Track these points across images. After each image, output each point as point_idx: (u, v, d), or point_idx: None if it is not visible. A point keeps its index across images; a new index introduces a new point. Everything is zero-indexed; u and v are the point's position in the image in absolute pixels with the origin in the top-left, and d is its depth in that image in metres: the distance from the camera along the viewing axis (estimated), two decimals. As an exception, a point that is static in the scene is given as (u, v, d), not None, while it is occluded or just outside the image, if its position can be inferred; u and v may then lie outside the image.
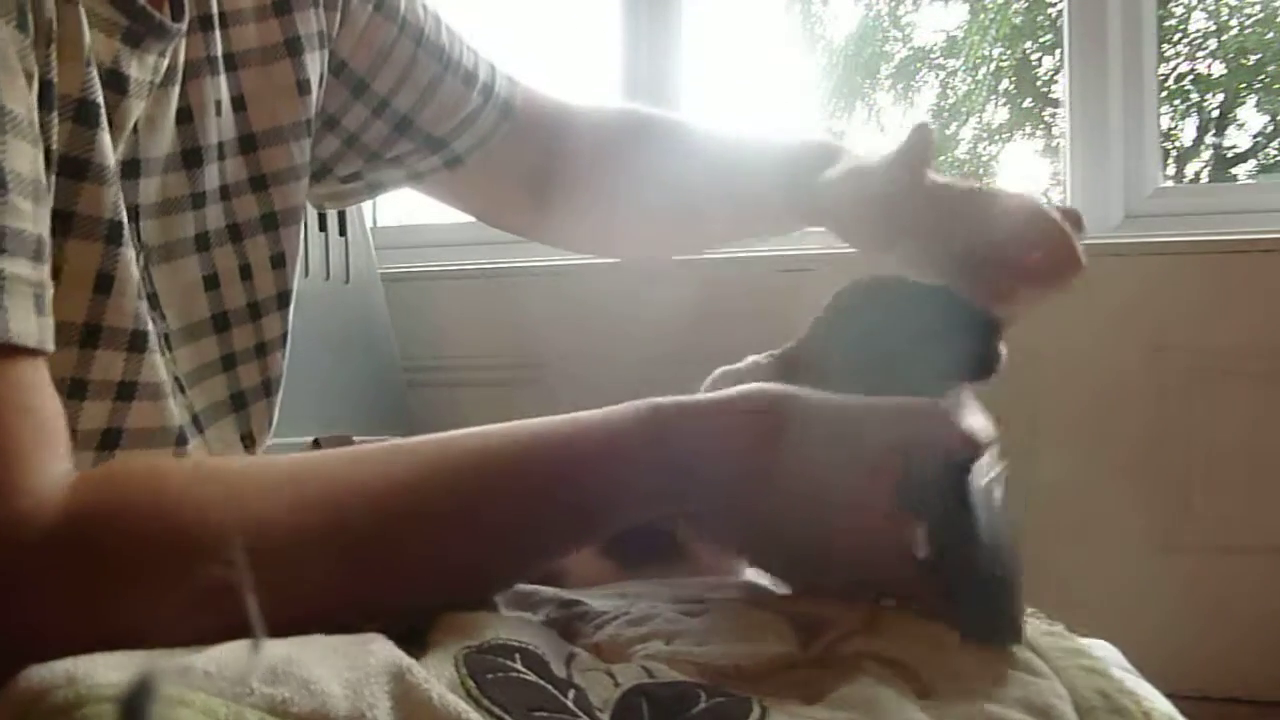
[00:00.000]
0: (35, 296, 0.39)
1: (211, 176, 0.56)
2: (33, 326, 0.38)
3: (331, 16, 0.63)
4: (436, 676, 0.32)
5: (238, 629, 0.34)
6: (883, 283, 0.55)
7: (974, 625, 0.44)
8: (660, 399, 0.46)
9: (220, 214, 0.57)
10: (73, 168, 0.44)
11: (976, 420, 0.47)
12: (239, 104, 0.57)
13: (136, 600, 0.35)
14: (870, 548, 0.45)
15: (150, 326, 0.50)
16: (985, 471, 0.46)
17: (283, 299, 0.62)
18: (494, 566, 0.44)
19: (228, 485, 0.40)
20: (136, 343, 0.49)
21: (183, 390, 0.55)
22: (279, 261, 0.61)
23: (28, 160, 0.39)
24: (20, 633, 0.34)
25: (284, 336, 0.63)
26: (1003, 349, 0.54)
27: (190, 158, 0.54)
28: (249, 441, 0.61)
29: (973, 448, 0.45)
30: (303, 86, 0.60)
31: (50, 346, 0.40)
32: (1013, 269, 0.55)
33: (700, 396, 0.47)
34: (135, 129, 0.50)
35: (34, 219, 0.39)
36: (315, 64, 0.61)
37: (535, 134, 0.75)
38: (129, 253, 0.48)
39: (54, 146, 0.42)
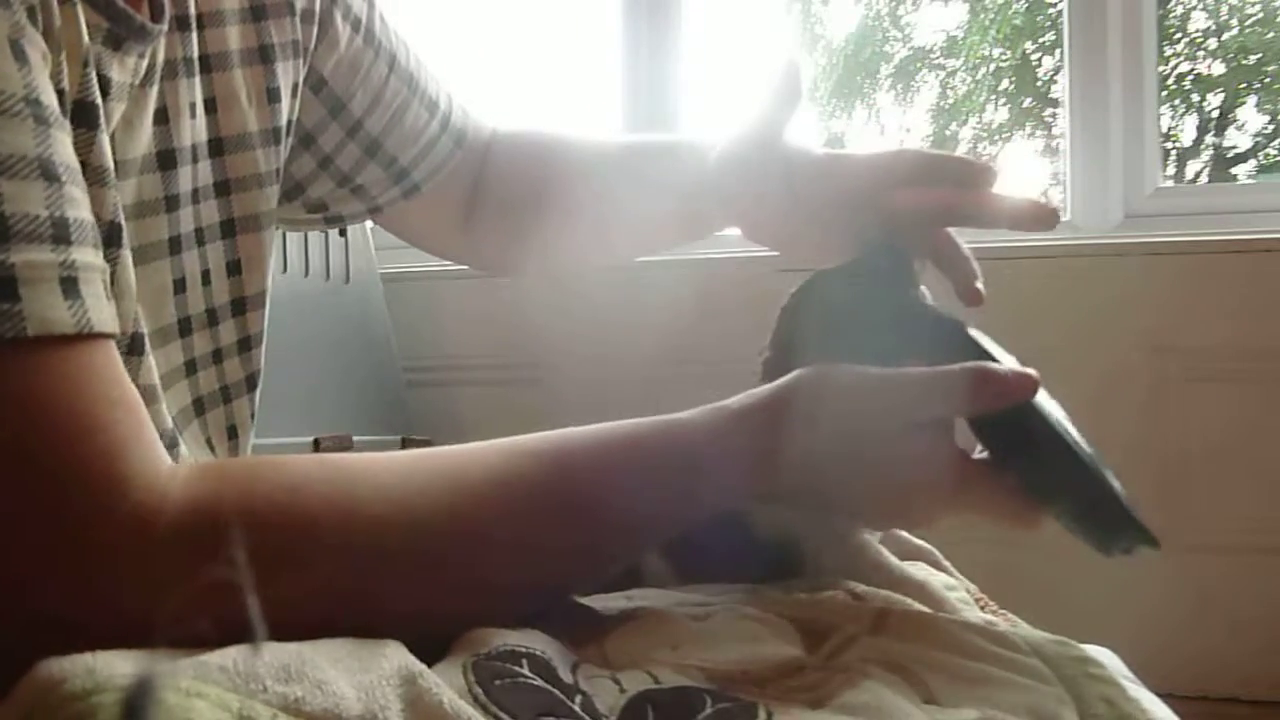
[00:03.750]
0: (103, 282, 0.39)
1: (185, 179, 0.56)
2: (108, 313, 0.39)
3: (309, 30, 0.63)
4: (444, 683, 0.32)
5: (359, 622, 0.36)
6: (819, 274, 0.60)
7: (1111, 540, 0.48)
8: (733, 400, 0.49)
9: (191, 217, 0.57)
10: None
11: (1007, 360, 0.51)
12: (210, 106, 0.57)
13: (273, 591, 0.35)
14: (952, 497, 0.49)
15: (144, 329, 0.50)
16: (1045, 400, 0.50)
17: (238, 305, 0.61)
18: (608, 553, 0.47)
19: (349, 480, 0.41)
20: (135, 346, 0.50)
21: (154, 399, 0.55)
22: (235, 268, 0.61)
23: (69, 151, 0.39)
24: (146, 625, 0.34)
25: (243, 343, 0.62)
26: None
27: (165, 159, 0.54)
28: (210, 447, 0.61)
29: (1030, 383, 0.48)
30: (272, 94, 0.60)
31: (119, 331, 0.40)
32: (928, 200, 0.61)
33: (761, 393, 0.50)
34: (113, 131, 0.49)
35: (86, 206, 0.40)
36: (288, 73, 0.61)
37: (472, 163, 0.77)
38: (127, 255, 0.48)
39: None
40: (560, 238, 0.78)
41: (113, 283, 0.47)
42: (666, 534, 0.50)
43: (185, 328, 0.58)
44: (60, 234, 0.37)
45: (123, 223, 0.47)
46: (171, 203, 0.55)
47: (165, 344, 0.56)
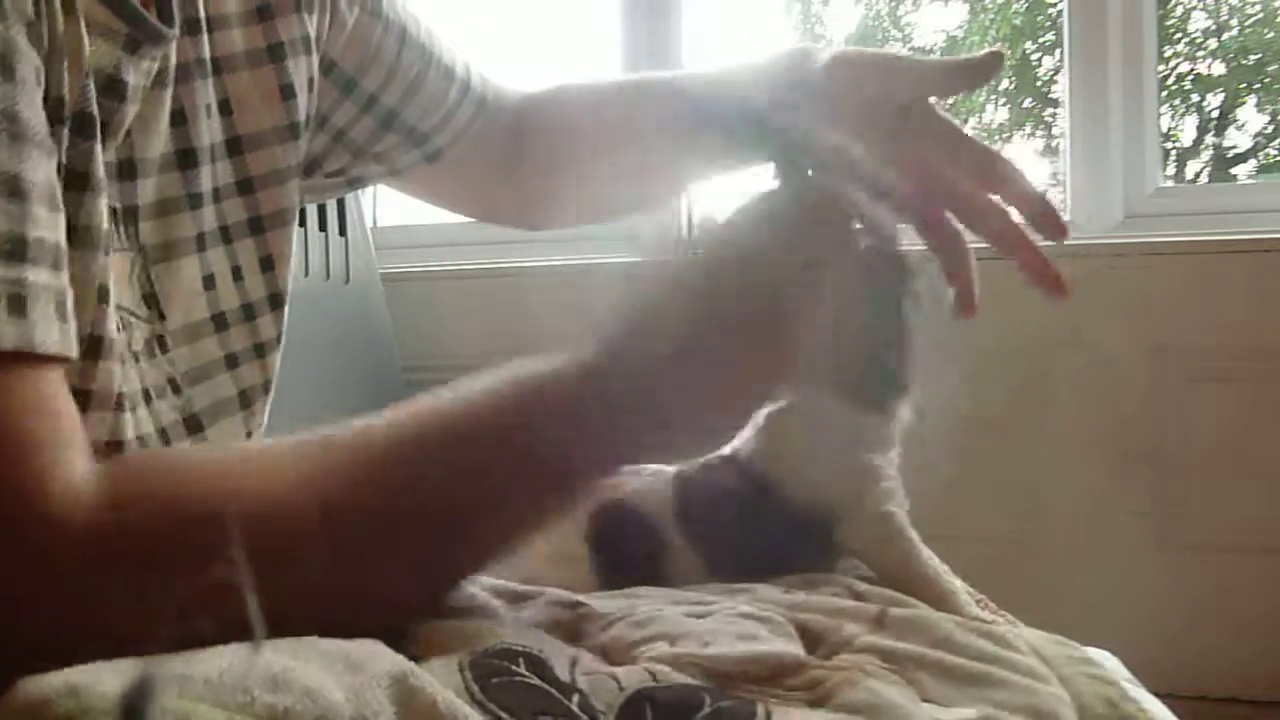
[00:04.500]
0: (57, 304, 0.39)
1: (205, 178, 0.57)
2: (56, 334, 0.39)
3: (321, 20, 0.64)
4: (441, 682, 0.32)
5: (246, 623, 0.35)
6: None
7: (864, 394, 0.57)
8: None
9: (213, 215, 0.58)
10: (75, 180, 0.45)
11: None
12: (225, 108, 0.58)
13: (162, 589, 0.35)
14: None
15: (103, 333, 0.50)
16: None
17: (275, 300, 0.62)
18: (485, 538, 0.44)
19: (233, 466, 0.42)
20: (93, 349, 0.49)
21: (177, 390, 0.55)
22: (268, 264, 0.62)
23: (44, 171, 0.40)
24: (66, 629, 0.35)
25: (279, 338, 0.63)
26: None
27: (184, 159, 0.55)
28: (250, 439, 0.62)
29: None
30: (286, 91, 0.61)
31: (73, 353, 0.40)
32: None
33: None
34: (129, 131, 0.50)
35: (52, 226, 0.40)
36: (301, 69, 0.62)
37: (503, 126, 0.78)
38: (105, 260, 0.48)
39: (62, 160, 0.43)
40: (604, 186, 0.79)
41: (106, 290, 0.47)
42: (556, 504, 0.46)
43: (220, 323, 0.59)
44: (16, 251, 0.37)
45: (111, 228, 0.47)
46: (194, 200, 0.56)
47: (198, 339, 0.57)
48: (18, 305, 0.37)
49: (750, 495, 0.59)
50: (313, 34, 0.63)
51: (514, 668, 0.34)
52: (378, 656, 0.32)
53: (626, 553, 0.58)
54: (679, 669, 0.40)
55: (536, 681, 0.34)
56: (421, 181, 0.77)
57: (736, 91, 0.72)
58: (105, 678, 0.28)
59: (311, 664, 0.31)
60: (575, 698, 0.34)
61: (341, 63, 0.67)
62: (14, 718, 0.28)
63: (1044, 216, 0.65)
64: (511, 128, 0.79)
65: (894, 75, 0.67)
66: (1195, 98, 3.41)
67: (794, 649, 0.44)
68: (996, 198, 0.66)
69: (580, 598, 0.50)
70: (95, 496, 0.38)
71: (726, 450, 0.61)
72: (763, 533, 0.59)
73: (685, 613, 0.47)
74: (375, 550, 0.40)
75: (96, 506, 0.37)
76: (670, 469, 0.60)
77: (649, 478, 0.60)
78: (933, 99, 0.68)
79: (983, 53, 0.66)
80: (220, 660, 0.30)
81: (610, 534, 0.57)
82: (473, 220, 0.88)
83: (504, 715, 0.31)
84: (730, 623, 0.46)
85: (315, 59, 0.64)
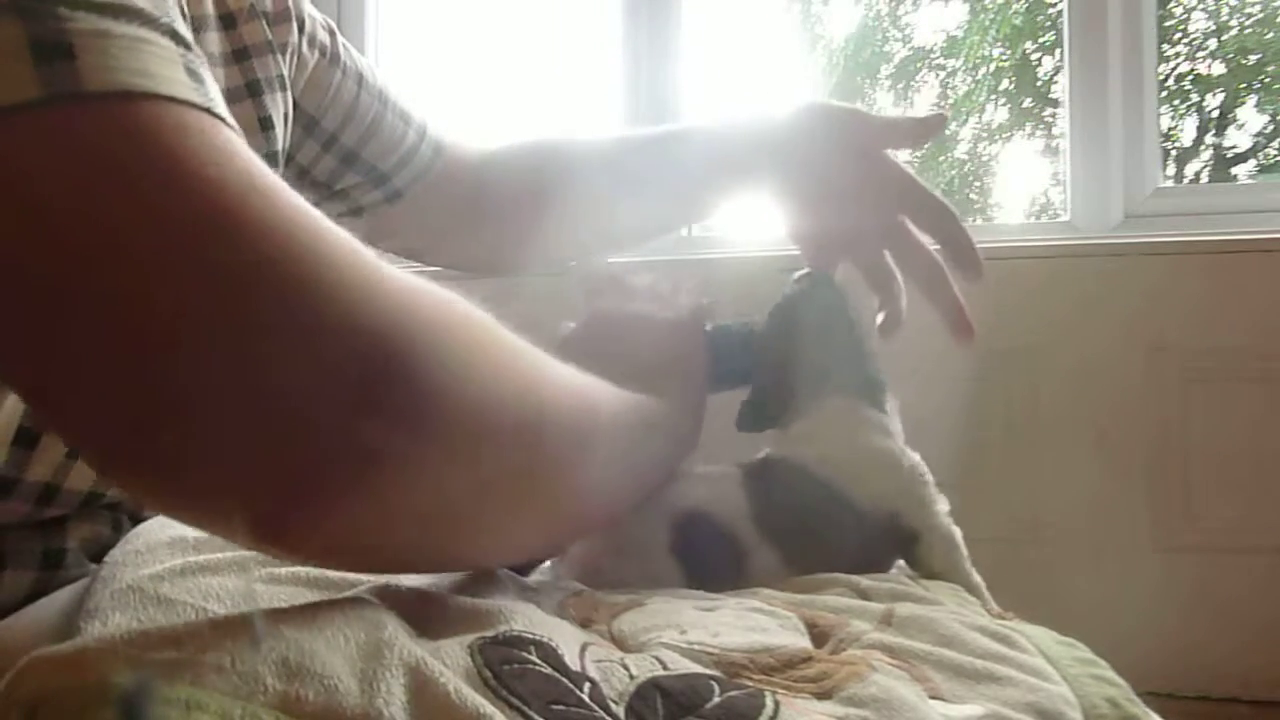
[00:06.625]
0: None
1: None
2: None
3: (291, 61, 0.68)
4: (451, 666, 0.32)
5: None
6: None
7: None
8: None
9: None
10: None
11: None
12: None
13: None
14: None
15: None
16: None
17: None
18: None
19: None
20: None
21: None
22: None
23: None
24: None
25: None
26: None
27: None
28: None
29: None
30: (264, 123, 0.64)
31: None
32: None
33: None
34: None
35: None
36: (277, 104, 0.65)
37: (463, 174, 0.82)
38: None
39: None
40: (564, 232, 0.84)
41: None
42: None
43: None
44: (181, 41, 0.34)
45: None
46: None
47: None
48: (197, 78, 0.34)
49: (822, 498, 0.62)
50: (287, 74, 0.66)
51: (526, 655, 0.34)
52: (390, 641, 0.32)
53: (711, 560, 0.59)
54: (689, 657, 0.40)
55: (549, 670, 0.34)
56: (385, 227, 0.80)
57: (705, 148, 0.81)
58: (113, 667, 0.28)
59: (322, 647, 0.31)
60: (586, 686, 0.33)
61: (302, 103, 0.70)
62: (24, 703, 0.27)
63: (963, 258, 0.73)
64: (475, 178, 0.82)
65: (853, 126, 0.75)
66: (1195, 98, 3.42)
67: (802, 642, 0.44)
68: (927, 241, 0.76)
69: (589, 589, 0.50)
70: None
71: (781, 456, 0.66)
72: (841, 534, 0.62)
73: (695, 607, 0.47)
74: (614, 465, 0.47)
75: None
76: (732, 474, 0.63)
77: (716, 484, 0.62)
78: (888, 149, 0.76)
79: (930, 114, 0.77)
80: (230, 644, 0.29)
81: (694, 543, 0.59)
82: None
83: (517, 703, 0.31)
84: (739, 616, 0.46)
85: (289, 95, 0.68)
